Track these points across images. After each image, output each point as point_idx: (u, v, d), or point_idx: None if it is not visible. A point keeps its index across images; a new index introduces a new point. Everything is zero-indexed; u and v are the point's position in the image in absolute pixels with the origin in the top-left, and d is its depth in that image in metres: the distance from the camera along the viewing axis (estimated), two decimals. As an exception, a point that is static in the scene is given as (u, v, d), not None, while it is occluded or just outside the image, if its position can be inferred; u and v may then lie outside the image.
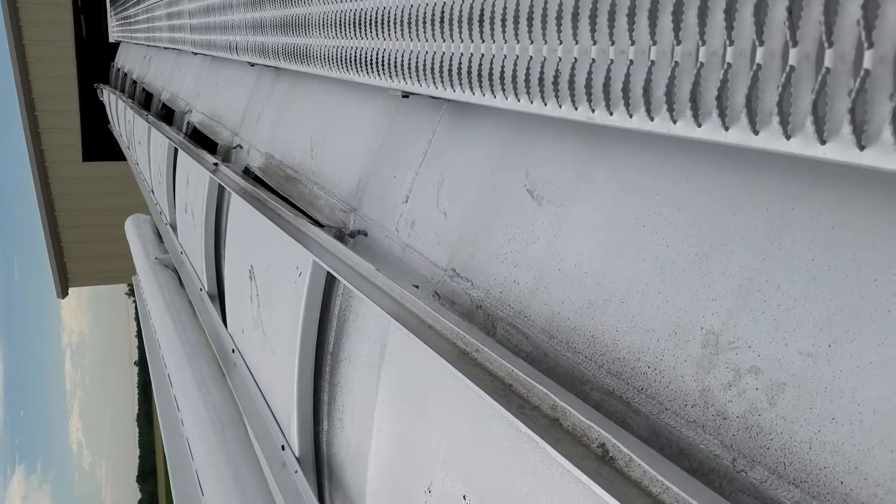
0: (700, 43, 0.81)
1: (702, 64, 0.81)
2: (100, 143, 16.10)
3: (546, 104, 1.07)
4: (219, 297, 3.76)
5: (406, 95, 1.66)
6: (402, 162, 1.83)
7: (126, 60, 9.76)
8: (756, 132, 0.76)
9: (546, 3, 1.04)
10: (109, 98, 9.79)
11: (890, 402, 0.72)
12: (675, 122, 0.86)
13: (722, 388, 0.89)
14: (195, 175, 3.80)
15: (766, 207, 0.89)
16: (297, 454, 2.07)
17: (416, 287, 1.45)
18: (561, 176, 1.27)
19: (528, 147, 1.38)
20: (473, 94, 1.27)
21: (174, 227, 5.21)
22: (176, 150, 4.50)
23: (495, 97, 1.20)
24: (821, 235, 0.82)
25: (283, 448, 2.18)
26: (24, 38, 14.65)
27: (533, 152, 1.36)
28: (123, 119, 8.30)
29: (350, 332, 1.94)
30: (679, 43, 0.83)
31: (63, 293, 17.62)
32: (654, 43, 0.86)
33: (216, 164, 3.08)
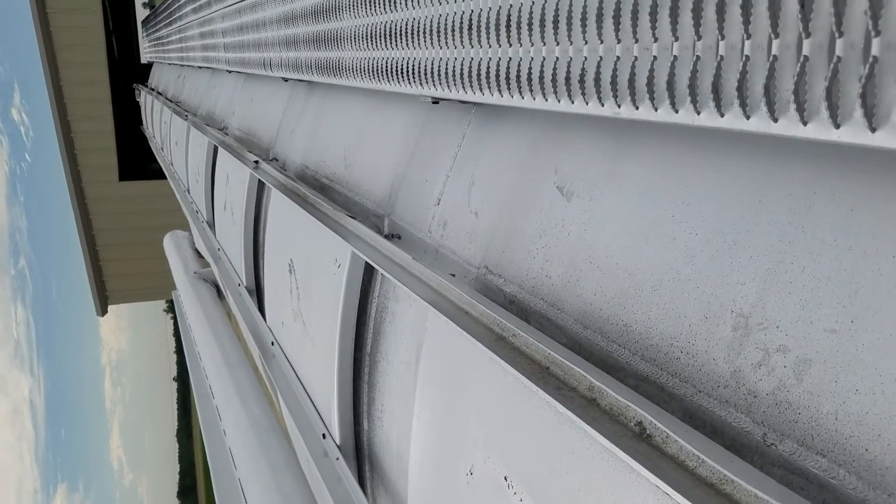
0: (720, 38, 0.85)
1: (722, 57, 0.85)
2: (135, 162, 16.47)
3: (573, 102, 1.12)
4: (256, 292, 3.85)
5: (436, 102, 1.72)
6: (434, 166, 1.89)
7: (160, 80, 9.99)
8: (775, 119, 0.80)
9: (571, 4, 1.09)
10: (146, 99, 10.01)
11: (912, 372, 0.75)
12: (698, 113, 0.90)
13: (752, 368, 0.92)
14: (235, 173, 3.90)
15: (789, 193, 0.93)
16: (338, 442, 2.13)
17: (453, 275, 1.50)
18: (589, 171, 1.31)
19: (557, 145, 1.43)
20: (502, 96, 1.32)
21: (212, 226, 5.33)
22: (216, 149, 4.62)
23: (523, 98, 1.25)
24: (841, 217, 0.86)
25: (323, 437, 2.24)
26: (58, 61, 15.04)
27: (561, 150, 1.41)
28: (159, 121, 8.49)
29: (387, 333, 2.00)
30: (700, 38, 0.88)
31: (102, 311, 17.99)
32: (676, 39, 0.91)
33: (257, 162, 3.16)
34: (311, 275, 2.48)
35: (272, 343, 3.20)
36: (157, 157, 9.25)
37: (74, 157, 16.26)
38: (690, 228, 1.07)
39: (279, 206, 3.04)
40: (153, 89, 10.68)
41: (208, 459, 5.10)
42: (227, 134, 4.52)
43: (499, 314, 1.25)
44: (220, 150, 4.06)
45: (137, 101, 12.14)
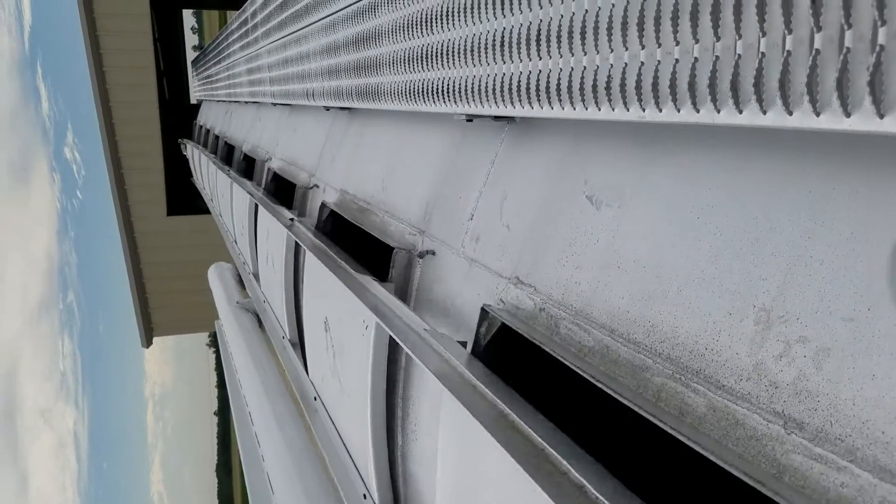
0: (736, 37, 0.89)
1: (739, 56, 0.89)
2: (183, 197, 16.93)
3: (600, 109, 1.17)
4: (300, 344, 3.91)
5: (470, 119, 1.78)
6: (467, 183, 1.94)
7: (208, 117, 10.32)
8: (790, 113, 0.83)
9: (598, 16, 1.14)
10: (193, 153, 10.33)
11: (928, 354, 0.76)
12: (718, 111, 0.94)
13: (773, 360, 0.94)
14: (274, 229, 4.00)
15: (809, 189, 0.96)
16: (377, 502, 2.15)
17: (463, 343, 1.54)
18: (617, 180, 1.35)
19: (586, 157, 1.47)
20: (532, 108, 1.37)
21: (257, 277, 5.45)
22: (256, 206, 4.75)
23: (552, 108, 1.30)
24: (859, 210, 0.88)
25: (364, 497, 2.25)
26: (110, 100, 15.60)
27: (591, 161, 1.45)
28: (206, 173, 8.74)
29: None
30: (718, 39, 0.92)
31: (147, 343, 18.34)
32: (697, 41, 0.95)
33: (292, 220, 3.24)
34: (343, 334, 2.50)
35: (315, 398, 3.24)
36: (209, 207, 9.51)
37: (125, 192, 16.76)
38: (714, 229, 1.10)
39: (313, 265, 3.10)
40: (201, 127, 11.01)
41: (247, 484, 5.16)
42: (271, 164, 4.66)
43: (499, 396, 1.27)
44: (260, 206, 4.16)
45: (184, 155, 12.54)
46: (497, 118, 1.75)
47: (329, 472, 3.48)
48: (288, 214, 3.35)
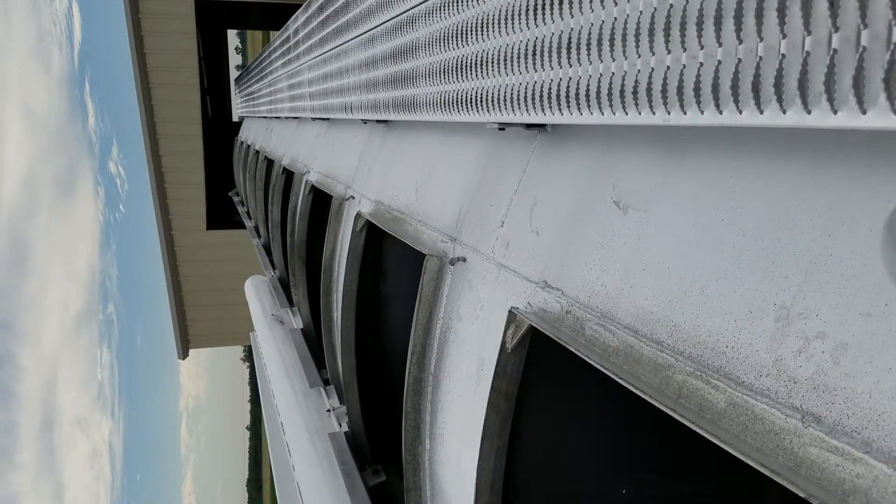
0: (758, 40, 0.92)
1: (760, 58, 0.92)
2: (222, 212, 17.25)
3: (627, 114, 1.20)
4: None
5: (502, 128, 1.82)
6: (499, 192, 1.98)
7: (249, 134, 10.53)
8: (808, 111, 0.86)
9: (625, 23, 1.18)
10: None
11: (943, 347, 0.78)
12: (740, 112, 0.96)
13: (792, 356, 0.95)
14: None
15: (830, 190, 0.97)
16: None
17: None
18: (644, 184, 1.37)
19: (615, 163, 1.50)
20: (562, 114, 1.41)
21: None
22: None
23: (581, 114, 1.33)
24: (878, 210, 0.90)
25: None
26: (155, 115, 16.00)
27: (618, 167, 1.48)
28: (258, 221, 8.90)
29: (450, 353, 2.07)
30: (741, 42, 0.95)
31: (184, 354, 18.62)
32: (720, 45, 0.98)
33: None
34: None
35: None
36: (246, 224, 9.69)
37: (166, 206, 17.12)
38: (738, 231, 1.11)
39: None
40: (242, 143, 11.23)
41: (277, 494, 5.21)
42: (309, 178, 4.75)
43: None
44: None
45: (234, 203, 12.81)
46: (529, 127, 1.78)
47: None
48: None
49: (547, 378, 1.75)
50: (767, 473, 0.89)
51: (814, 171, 1.01)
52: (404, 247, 2.97)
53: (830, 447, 0.86)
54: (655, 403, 1.12)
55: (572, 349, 1.38)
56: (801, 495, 0.85)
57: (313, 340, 5.09)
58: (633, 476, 1.87)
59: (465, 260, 2.09)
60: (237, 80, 12.45)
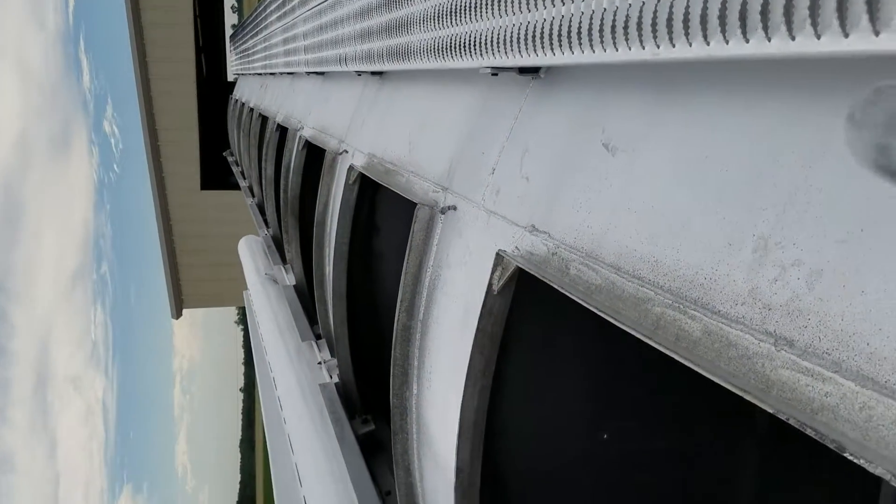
0: (746, -32, 0.92)
1: (747, -14, 0.92)
2: (217, 173, 17.18)
3: (618, 50, 1.20)
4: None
5: (495, 73, 1.82)
6: (490, 140, 1.98)
7: (243, 92, 10.45)
8: (793, 38, 0.86)
9: (617, -43, 1.18)
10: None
11: (913, 268, 0.80)
12: (727, 42, 0.97)
13: (768, 284, 0.97)
14: None
15: (814, 122, 0.98)
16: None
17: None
18: (633, 126, 1.38)
19: (605, 107, 1.50)
20: (554, 54, 1.41)
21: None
22: None
23: (573, 53, 1.34)
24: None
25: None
26: (150, 72, 15.84)
27: (608, 111, 1.49)
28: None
29: (439, 299, 2.09)
30: (728, -29, 0.95)
31: (178, 314, 18.69)
32: (708, -25, 0.98)
33: None
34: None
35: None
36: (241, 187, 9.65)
37: (160, 164, 17.04)
38: (721, 166, 1.13)
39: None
40: (236, 101, 11.14)
41: (267, 446, 5.29)
42: (303, 133, 4.73)
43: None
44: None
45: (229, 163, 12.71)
46: (521, 72, 1.78)
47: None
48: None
49: (532, 321, 1.77)
50: (738, 392, 0.91)
51: (798, 104, 1.02)
52: (397, 200, 2.98)
53: (801, 368, 0.89)
54: (634, 334, 1.14)
55: (556, 287, 1.40)
56: (770, 411, 0.87)
57: (306, 296, 5.12)
58: (615, 418, 1.91)
59: (455, 208, 2.10)
60: (232, 37, 12.31)
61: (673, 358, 1.05)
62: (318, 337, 4.57)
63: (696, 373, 1.72)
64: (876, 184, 0.86)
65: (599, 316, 1.29)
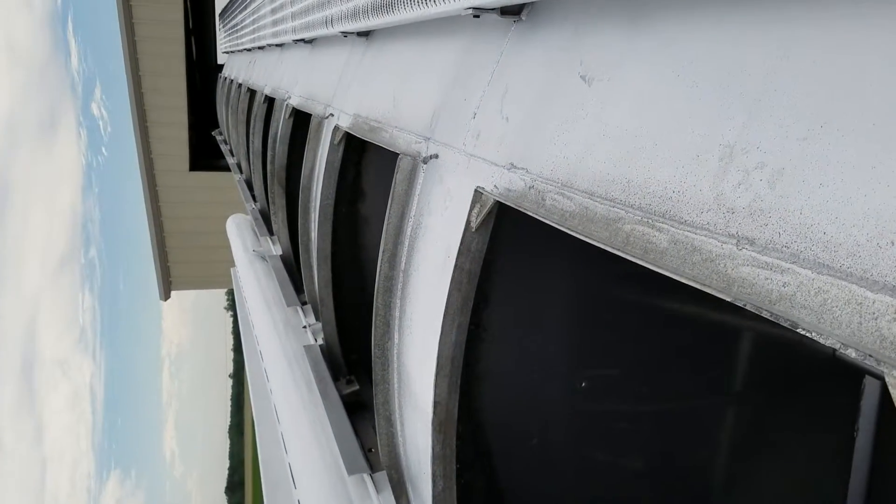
0: None
1: None
2: (206, 155, 17.09)
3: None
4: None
5: (477, 15, 1.82)
6: (472, 85, 1.99)
7: (232, 69, 10.39)
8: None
9: None
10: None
11: (865, 158, 0.81)
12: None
13: (732, 189, 0.99)
14: None
15: (777, 29, 1.00)
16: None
17: None
18: (609, 54, 1.40)
19: (585, 40, 1.52)
20: (531, -16, 1.42)
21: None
22: None
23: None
24: (822, 45, 0.92)
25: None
26: (138, 51, 15.70)
27: (588, 43, 1.50)
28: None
29: (420, 247, 2.10)
30: None
31: (166, 295, 18.63)
32: None
33: None
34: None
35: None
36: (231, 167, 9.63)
37: (148, 145, 16.92)
38: (691, 82, 1.14)
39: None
40: (225, 79, 11.08)
41: (253, 413, 5.30)
42: (290, 102, 4.72)
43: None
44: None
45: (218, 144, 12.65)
46: (503, 14, 1.79)
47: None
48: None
49: (510, 261, 1.79)
50: (700, 287, 0.93)
51: (762, 14, 1.03)
52: (382, 162, 2.99)
53: (761, 263, 0.91)
54: (606, 248, 1.16)
55: (531, 214, 1.41)
56: (729, 300, 0.89)
57: (292, 265, 5.12)
58: (594, 355, 1.93)
59: (437, 156, 2.11)
60: (221, 14, 12.23)
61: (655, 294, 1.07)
62: (303, 304, 4.59)
63: (679, 313, 1.75)
64: (841, 81, 0.88)
65: (581, 260, 1.31)
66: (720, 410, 2.22)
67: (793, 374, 2.26)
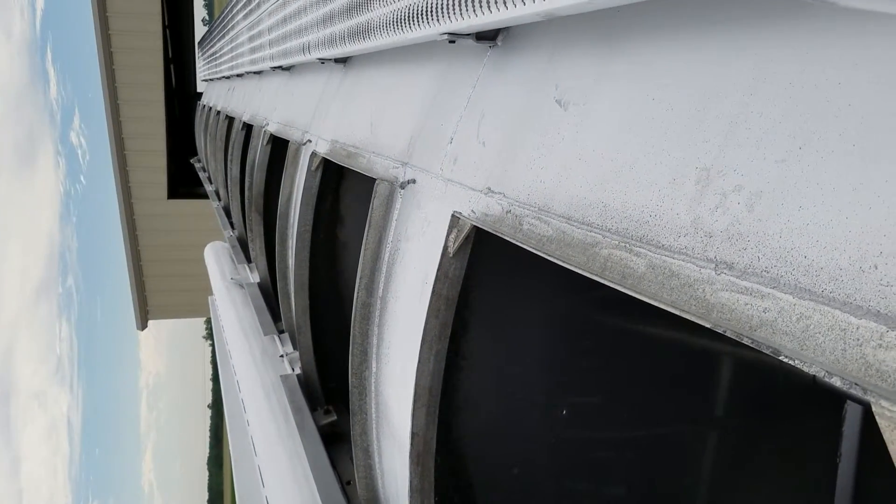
0: None
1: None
2: (184, 183, 17.00)
3: (565, -5, 1.20)
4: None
5: (453, 41, 1.81)
6: (449, 111, 1.98)
7: (211, 97, 10.37)
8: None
9: None
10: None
11: (845, 180, 0.80)
12: (667, -28, 0.97)
13: (709, 212, 0.97)
14: None
15: (755, 53, 0.99)
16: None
17: None
18: (584, 78, 1.38)
19: (560, 65, 1.51)
20: (507, 8, 1.41)
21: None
22: None
23: (525, 5, 1.34)
24: (797, 65, 0.91)
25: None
26: (116, 80, 15.65)
27: (564, 67, 1.49)
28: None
29: (398, 273, 2.07)
30: None
31: (143, 325, 18.38)
32: None
33: None
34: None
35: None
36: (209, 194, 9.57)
37: (126, 173, 16.81)
38: (667, 106, 1.13)
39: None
40: (204, 106, 11.05)
41: (230, 444, 5.20)
42: (268, 128, 4.70)
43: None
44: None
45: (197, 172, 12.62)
46: (479, 39, 1.78)
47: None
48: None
49: (488, 287, 1.76)
50: (679, 314, 0.91)
51: (739, 38, 1.02)
52: (360, 188, 2.96)
53: (740, 289, 0.88)
54: (585, 274, 1.14)
55: (509, 239, 1.39)
56: (709, 326, 0.87)
57: (270, 293, 5.06)
58: (571, 385, 1.90)
59: (414, 181, 2.09)
60: (200, 42, 12.23)
61: (634, 321, 1.04)
62: (281, 332, 4.52)
63: (658, 337, 1.73)
64: (818, 102, 0.87)
65: (559, 285, 1.28)
66: (702, 437, 2.19)
67: (775, 399, 2.24)
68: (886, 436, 0.61)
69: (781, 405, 2.22)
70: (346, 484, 2.91)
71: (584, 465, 2.11)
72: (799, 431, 2.19)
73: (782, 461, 2.23)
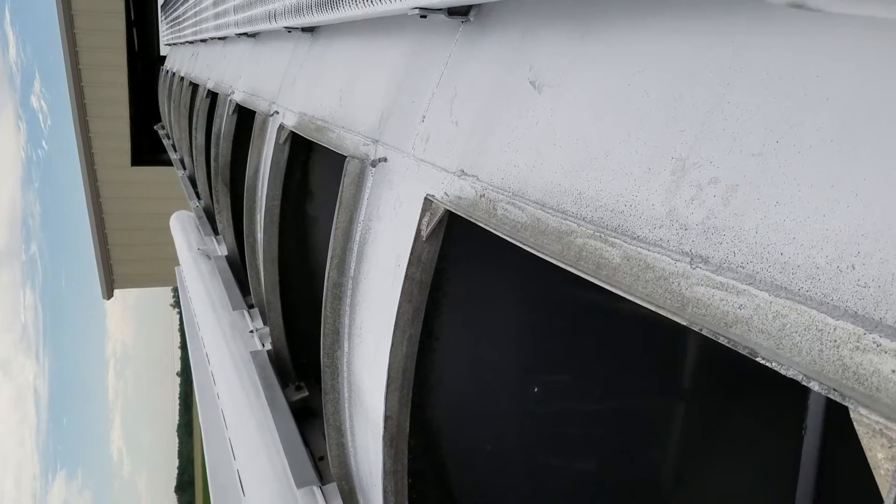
0: None
1: None
2: (148, 149, 16.64)
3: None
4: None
5: (424, 16, 1.77)
6: (421, 87, 1.94)
7: (174, 62, 10.12)
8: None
9: None
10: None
11: (822, 176, 0.79)
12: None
13: (685, 204, 0.96)
14: None
15: (731, 41, 0.97)
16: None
17: None
18: (559, 60, 1.36)
19: (534, 44, 1.48)
20: (479, -14, 1.37)
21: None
22: None
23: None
24: (775, 53, 0.90)
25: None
26: (78, 44, 15.20)
27: (538, 47, 1.46)
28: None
29: (370, 254, 2.05)
30: None
31: (109, 294, 18.12)
32: None
33: None
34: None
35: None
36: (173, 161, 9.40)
37: (89, 140, 16.42)
38: (643, 92, 1.11)
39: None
40: (167, 72, 10.79)
41: (200, 420, 5.17)
42: (233, 97, 4.59)
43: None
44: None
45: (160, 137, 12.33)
46: (451, 14, 1.74)
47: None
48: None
49: (462, 270, 1.75)
50: (655, 309, 0.90)
51: (718, 23, 1.01)
52: (329, 162, 2.91)
53: (716, 284, 0.88)
54: (559, 264, 1.13)
55: (483, 225, 1.37)
56: (685, 323, 0.87)
57: (238, 266, 5.00)
58: (542, 364, 1.90)
59: (386, 160, 2.05)
60: (163, 5, 11.89)
61: (609, 303, 1.04)
62: (250, 307, 4.48)
63: (633, 320, 1.73)
64: (796, 95, 0.85)
65: (532, 266, 1.27)
66: (671, 410, 2.22)
67: (743, 371, 2.28)
68: (864, 443, 0.61)
69: (749, 378, 2.26)
70: (318, 460, 2.91)
71: (555, 441, 2.13)
72: (766, 404, 2.23)
73: (750, 432, 2.27)
